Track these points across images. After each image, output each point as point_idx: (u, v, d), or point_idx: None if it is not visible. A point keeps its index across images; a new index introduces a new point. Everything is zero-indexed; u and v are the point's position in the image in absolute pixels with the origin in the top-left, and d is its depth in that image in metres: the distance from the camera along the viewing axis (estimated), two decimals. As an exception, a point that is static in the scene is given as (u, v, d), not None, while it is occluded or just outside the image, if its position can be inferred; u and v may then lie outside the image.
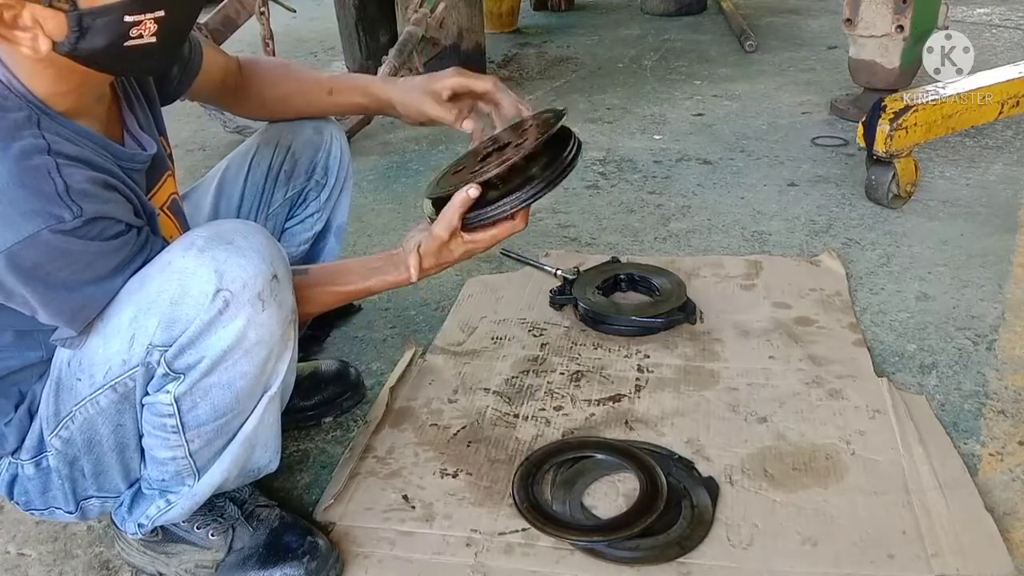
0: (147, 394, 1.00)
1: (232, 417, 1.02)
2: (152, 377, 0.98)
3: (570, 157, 1.14)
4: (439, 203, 1.16)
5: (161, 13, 0.89)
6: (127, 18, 0.87)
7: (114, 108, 1.06)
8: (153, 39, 0.91)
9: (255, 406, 1.04)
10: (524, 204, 1.10)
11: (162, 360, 0.96)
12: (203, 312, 0.93)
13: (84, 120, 0.97)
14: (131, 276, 0.95)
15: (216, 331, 0.94)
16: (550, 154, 1.15)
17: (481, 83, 1.29)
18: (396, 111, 1.35)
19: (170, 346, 0.95)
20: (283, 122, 1.42)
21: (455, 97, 1.32)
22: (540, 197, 1.11)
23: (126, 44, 0.89)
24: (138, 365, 0.97)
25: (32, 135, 0.89)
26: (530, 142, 1.12)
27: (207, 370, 0.96)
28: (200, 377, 0.97)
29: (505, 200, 1.10)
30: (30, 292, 0.90)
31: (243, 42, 3.56)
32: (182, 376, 0.97)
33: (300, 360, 1.38)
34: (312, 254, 1.52)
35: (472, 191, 1.08)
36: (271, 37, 2.77)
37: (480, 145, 1.27)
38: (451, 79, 1.30)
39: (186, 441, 1.02)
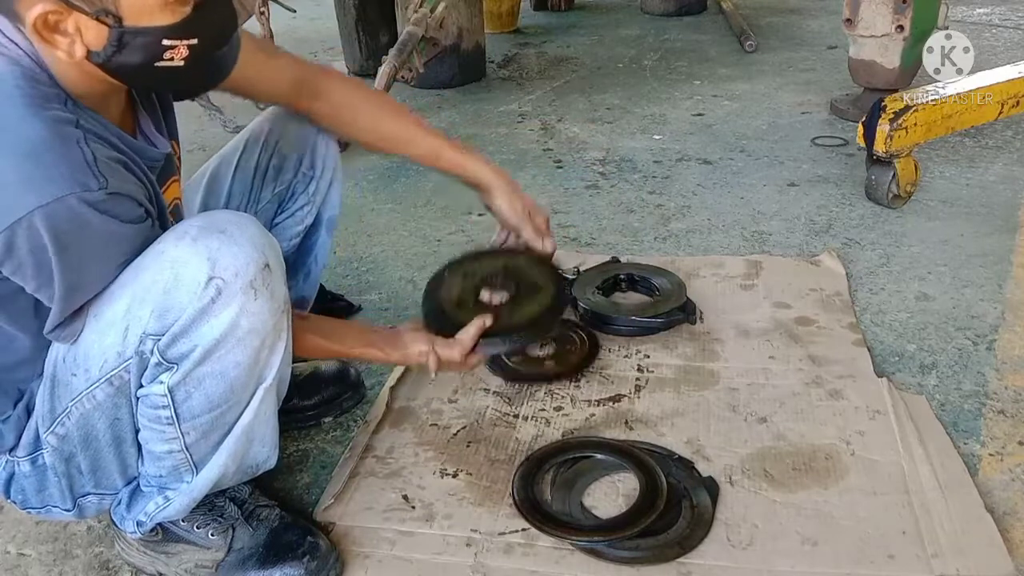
0: (141, 386, 1.00)
1: (227, 409, 1.02)
2: (146, 368, 0.98)
3: (561, 304, 1.44)
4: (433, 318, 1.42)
5: (195, 41, 0.93)
6: (165, 41, 0.91)
7: (128, 108, 1.07)
8: (181, 63, 0.94)
9: (250, 398, 1.04)
10: (526, 345, 1.47)
11: (155, 349, 0.96)
12: (195, 300, 0.94)
13: (103, 114, 0.99)
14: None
15: (208, 320, 0.95)
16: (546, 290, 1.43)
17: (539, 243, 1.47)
18: (485, 192, 1.46)
19: (163, 335, 0.95)
20: (269, 119, 1.42)
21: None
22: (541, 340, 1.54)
23: (157, 65, 0.93)
24: (132, 356, 0.97)
25: (61, 109, 0.91)
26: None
27: (200, 359, 0.96)
28: (193, 367, 0.97)
29: (512, 340, 1.37)
30: (44, 260, 0.90)
31: (243, 42, 3.56)
32: (175, 366, 0.97)
33: (300, 360, 1.38)
34: (304, 248, 1.51)
35: (488, 321, 1.32)
36: (271, 37, 2.77)
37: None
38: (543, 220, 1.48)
39: (181, 433, 1.02)
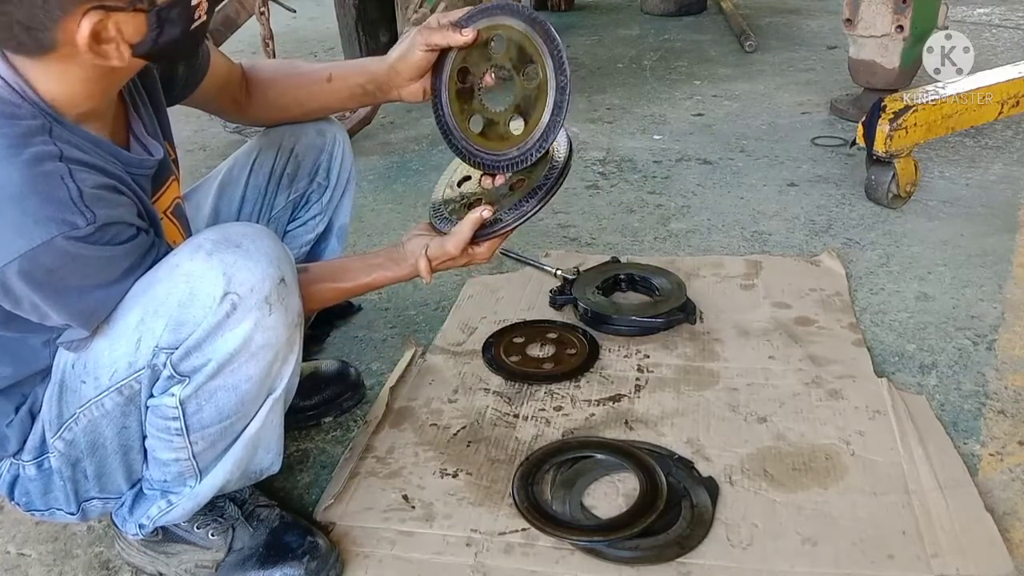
0: (152, 396, 1.00)
1: (236, 420, 1.02)
2: (157, 379, 0.98)
3: (565, 166, 1.20)
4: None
5: None
6: (192, 1, 0.92)
7: (120, 113, 1.06)
8: (205, 16, 0.95)
9: (259, 408, 1.04)
10: (528, 218, 1.17)
11: (168, 362, 0.96)
12: (210, 315, 0.93)
13: (94, 126, 0.98)
14: (139, 278, 0.95)
15: (223, 334, 0.95)
16: (545, 163, 1.21)
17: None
18: (397, 76, 1.26)
19: (176, 348, 0.95)
20: (286, 125, 1.41)
21: None
22: (542, 208, 1.18)
23: (192, 28, 0.94)
24: (144, 367, 0.97)
25: (43, 142, 0.89)
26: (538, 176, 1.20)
27: (213, 373, 0.96)
28: (206, 380, 0.97)
29: (512, 218, 1.17)
30: (41, 298, 0.90)
31: (243, 42, 3.57)
32: (188, 379, 0.97)
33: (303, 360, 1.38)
34: (313, 255, 1.52)
35: (486, 213, 1.16)
36: (271, 37, 2.77)
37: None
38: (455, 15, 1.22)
39: (190, 443, 1.02)
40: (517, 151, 1.20)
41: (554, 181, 1.18)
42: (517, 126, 1.21)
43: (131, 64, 0.92)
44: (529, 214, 1.17)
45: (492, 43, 1.20)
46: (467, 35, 1.17)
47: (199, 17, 0.94)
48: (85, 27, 0.84)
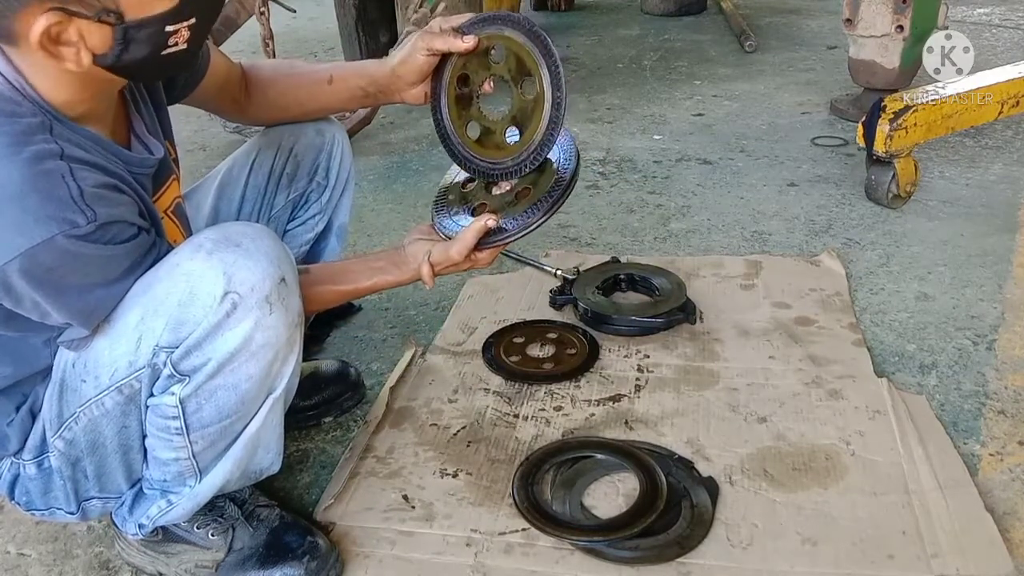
0: (152, 395, 1.00)
1: (236, 419, 1.02)
2: (157, 378, 0.98)
3: (571, 180, 1.21)
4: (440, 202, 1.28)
5: (193, 20, 0.92)
6: (168, 27, 0.90)
7: (121, 112, 1.06)
8: (185, 45, 0.93)
9: (259, 408, 1.04)
10: (533, 230, 1.19)
11: (168, 361, 0.96)
12: (211, 314, 0.93)
13: (94, 125, 0.98)
14: (139, 277, 0.95)
15: (223, 333, 0.95)
16: (551, 174, 1.22)
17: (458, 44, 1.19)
18: (398, 80, 1.26)
19: (177, 347, 0.95)
20: (285, 124, 1.41)
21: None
22: (546, 221, 1.20)
23: (163, 53, 0.92)
24: (144, 366, 0.97)
25: (44, 140, 0.88)
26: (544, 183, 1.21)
27: (213, 372, 0.96)
28: (206, 379, 0.97)
29: (515, 227, 1.18)
30: (42, 296, 0.89)
31: (243, 42, 3.57)
32: (188, 378, 0.97)
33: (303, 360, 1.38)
34: (313, 254, 1.52)
35: (491, 222, 1.16)
36: (271, 37, 2.77)
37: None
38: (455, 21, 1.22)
39: (190, 443, 1.02)
40: (512, 161, 1.20)
41: (560, 195, 1.19)
42: (513, 136, 1.22)
43: (92, 71, 0.90)
44: (533, 226, 1.18)
45: (492, 52, 1.20)
46: (468, 42, 1.17)
47: (175, 44, 0.92)
48: (40, 25, 0.83)
